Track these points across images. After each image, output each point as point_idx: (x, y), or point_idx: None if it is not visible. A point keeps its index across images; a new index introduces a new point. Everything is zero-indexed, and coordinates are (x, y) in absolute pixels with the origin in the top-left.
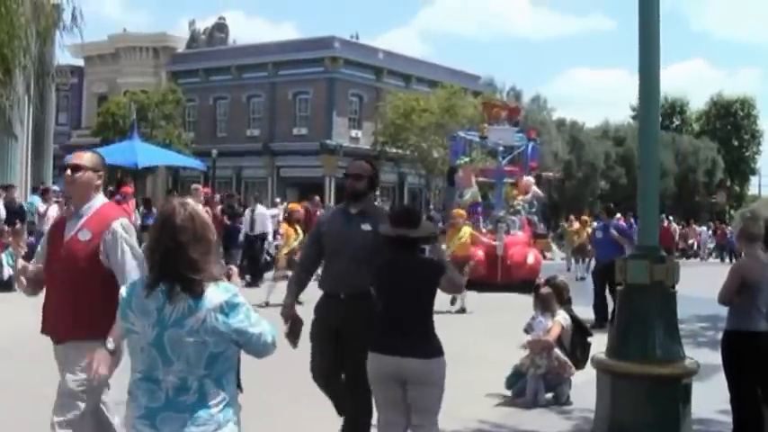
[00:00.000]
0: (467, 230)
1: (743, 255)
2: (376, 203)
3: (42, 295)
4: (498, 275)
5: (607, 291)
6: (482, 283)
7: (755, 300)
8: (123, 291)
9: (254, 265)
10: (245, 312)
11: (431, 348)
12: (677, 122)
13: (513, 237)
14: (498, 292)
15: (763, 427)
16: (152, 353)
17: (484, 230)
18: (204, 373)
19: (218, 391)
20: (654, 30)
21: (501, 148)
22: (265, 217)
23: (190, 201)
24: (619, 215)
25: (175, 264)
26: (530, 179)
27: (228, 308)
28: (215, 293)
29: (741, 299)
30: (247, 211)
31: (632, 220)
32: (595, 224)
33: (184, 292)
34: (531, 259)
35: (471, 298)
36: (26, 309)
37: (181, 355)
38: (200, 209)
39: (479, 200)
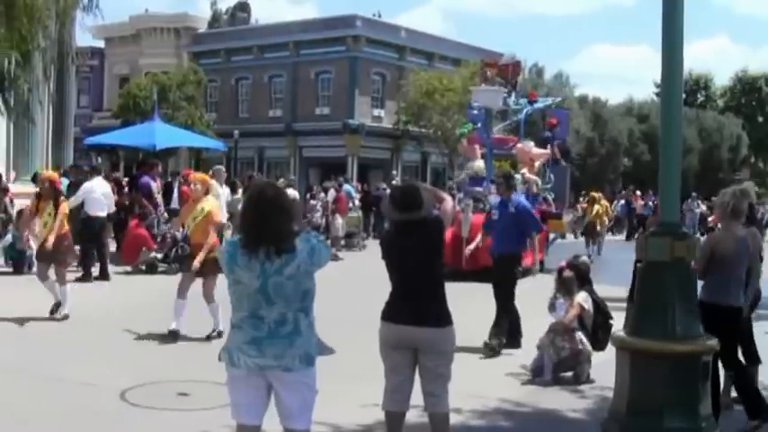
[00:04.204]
0: (208, 205)
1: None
2: (393, 182)
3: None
4: (463, 261)
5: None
6: (446, 272)
7: (730, 274)
8: (225, 250)
9: None
10: (317, 249)
11: (443, 317)
12: (701, 99)
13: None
14: (463, 281)
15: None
16: (257, 297)
17: (457, 209)
18: (299, 306)
19: (306, 319)
20: (677, 8)
21: (475, 112)
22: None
23: (275, 182)
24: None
25: (269, 232)
26: (528, 144)
27: (312, 252)
28: (302, 244)
29: (718, 272)
30: None
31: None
32: (492, 199)
33: (280, 253)
34: None
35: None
36: (37, 292)
37: (281, 296)
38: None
39: (485, 174)
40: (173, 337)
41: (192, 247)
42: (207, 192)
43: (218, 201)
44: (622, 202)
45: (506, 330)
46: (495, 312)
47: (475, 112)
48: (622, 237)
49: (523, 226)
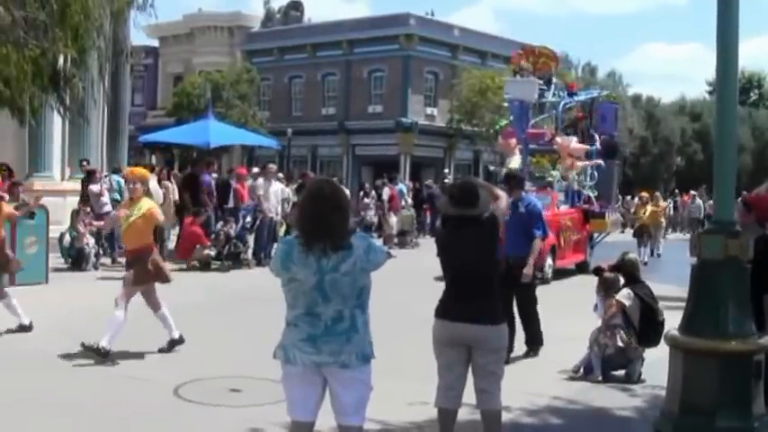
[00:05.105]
0: (146, 205)
1: None
2: (446, 180)
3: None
4: None
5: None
6: None
7: None
8: (280, 248)
9: None
10: (375, 249)
11: (496, 315)
12: (754, 97)
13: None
14: None
15: None
16: (313, 294)
17: None
18: (355, 303)
19: (363, 316)
20: (733, 7)
21: (506, 104)
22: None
23: (331, 179)
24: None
25: (326, 229)
26: (570, 139)
27: (369, 250)
28: (359, 242)
29: None
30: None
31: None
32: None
33: (336, 249)
34: None
35: None
36: (97, 288)
37: (338, 293)
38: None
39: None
40: (172, 345)
41: (127, 253)
42: (147, 192)
43: (156, 199)
44: (675, 201)
45: (540, 335)
46: (522, 323)
47: (506, 104)
48: (676, 236)
49: (530, 227)
